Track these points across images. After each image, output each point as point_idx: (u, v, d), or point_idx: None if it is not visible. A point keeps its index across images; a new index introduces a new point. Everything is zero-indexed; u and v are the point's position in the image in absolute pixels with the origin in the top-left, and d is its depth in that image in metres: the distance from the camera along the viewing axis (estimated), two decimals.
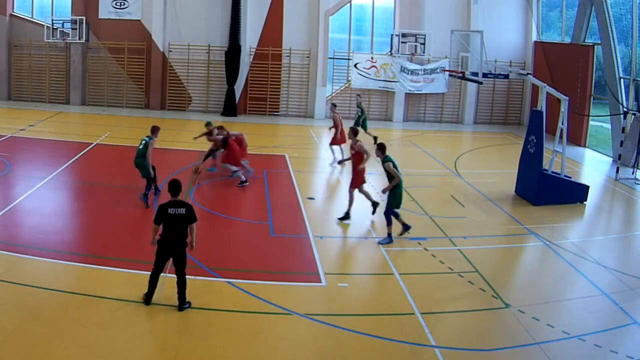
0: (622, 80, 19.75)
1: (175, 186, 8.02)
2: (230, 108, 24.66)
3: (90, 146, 17.29)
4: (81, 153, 16.43)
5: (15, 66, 25.04)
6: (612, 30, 19.70)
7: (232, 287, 8.94)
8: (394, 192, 11.09)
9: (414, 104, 26.11)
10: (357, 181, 12.44)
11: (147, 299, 8.16)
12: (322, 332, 7.91)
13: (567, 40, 23.79)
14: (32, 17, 25.07)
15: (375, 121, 25.57)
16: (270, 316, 8.27)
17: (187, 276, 8.17)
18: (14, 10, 24.98)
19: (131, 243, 10.53)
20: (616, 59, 19.78)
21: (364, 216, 12.59)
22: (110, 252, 9.93)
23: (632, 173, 17.63)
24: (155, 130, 12.72)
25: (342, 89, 26.01)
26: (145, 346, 7.32)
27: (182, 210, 7.89)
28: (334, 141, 17.08)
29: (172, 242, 7.92)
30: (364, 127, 19.56)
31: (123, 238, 10.79)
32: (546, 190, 14.15)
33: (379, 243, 11.07)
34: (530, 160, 14.49)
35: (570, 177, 14.93)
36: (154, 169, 12.76)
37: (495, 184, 15.86)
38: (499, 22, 25.03)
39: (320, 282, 9.42)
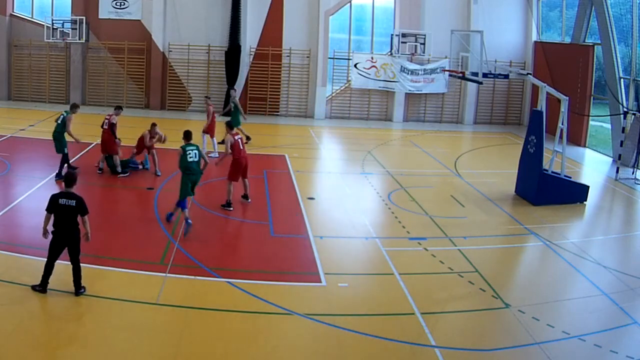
0: (622, 80, 19.75)
1: (70, 178, 8.39)
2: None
3: (90, 146, 17.25)
4: (81, 153, 16.43)
5: (15, 66, 25.02)
6: (612, 30, 19.70)
7: (232, 287, 8.94)
8: (181, 182, 11.15)
9: (414, 104, 26.10)
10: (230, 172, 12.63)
11: (43, 287, 8.21)
12: (322, 332, 7.91)
13: (567, 40, 23.79)
14: (32, 17, 25.03)
15: (376, 121, 25.66)
16: (270, 316, 8.27)
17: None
18: (14, 10, 24.95)
19: (131, 243, 10.54)
20: (616, 59, 19.78)
21: (363, 215, 12.60)
22: (110, 252, 9.92)
23: (632, 173, 17.62)
24: (74, 107, 14.47)
25: (342, 89, 26.01)
26: (145, 346, 7.31)
27: (73, 202, 8.17)
28: (207, 129, 17.24)
29: (64, 232, 8.17)
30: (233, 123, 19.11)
31: (123, 238, 10.79)
32: (546, 190, 14.15)
33: (183, 233, 10.80)
34: (530, 160, 14.48)
35: (570, 177, 14.93)
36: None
37: (495, 184, 15.86)
38: (499, 22, 25.02)
39: (320, 282, 9.42)
